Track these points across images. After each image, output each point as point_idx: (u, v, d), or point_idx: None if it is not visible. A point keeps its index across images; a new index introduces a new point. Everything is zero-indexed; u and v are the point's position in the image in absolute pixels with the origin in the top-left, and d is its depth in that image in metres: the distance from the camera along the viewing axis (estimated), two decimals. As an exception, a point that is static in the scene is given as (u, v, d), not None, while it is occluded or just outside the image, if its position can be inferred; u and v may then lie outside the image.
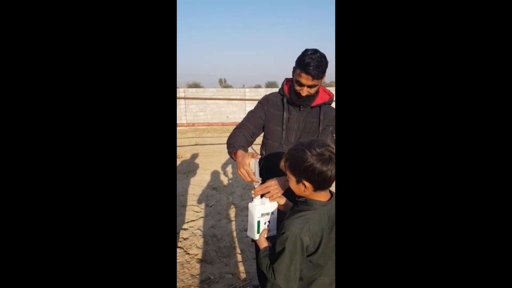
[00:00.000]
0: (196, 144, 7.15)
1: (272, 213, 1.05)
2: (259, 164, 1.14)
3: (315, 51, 1.20)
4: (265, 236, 1.01)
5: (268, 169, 1.28)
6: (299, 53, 1.23)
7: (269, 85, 20.78)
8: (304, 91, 1.24)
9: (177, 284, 1.86)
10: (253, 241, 1.06)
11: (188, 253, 2.22)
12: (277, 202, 1.07)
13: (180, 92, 11.20)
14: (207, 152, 6.06)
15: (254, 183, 1.09)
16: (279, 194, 1.08)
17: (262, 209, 1.02)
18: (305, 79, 1.20)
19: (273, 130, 1.35)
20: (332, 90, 10.93)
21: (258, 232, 1.02)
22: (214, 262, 2.10)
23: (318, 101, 1.32)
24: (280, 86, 1.41)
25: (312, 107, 1.33)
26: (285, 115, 1.32)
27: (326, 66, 1.21)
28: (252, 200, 1.05)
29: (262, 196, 1.05)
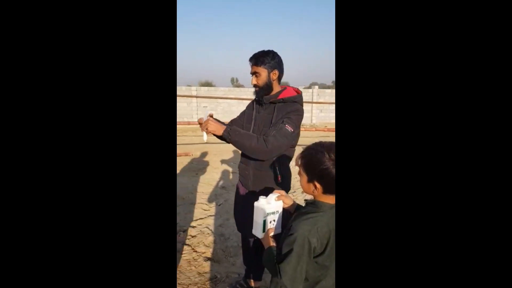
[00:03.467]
0: (206, 143, 7.20)
1: (277, 211, 1.05)
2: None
3: (270, 50, 1.44)
4: (271, 235, 1.01)
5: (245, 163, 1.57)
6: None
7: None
8: (253, 80, 1.46)
9: (184, 281, 1.88)
10: (255, 238, 1.07)
11: (196, 251, 2.23)
12: (283, 202, 1.06)
13: (193, 91, 11.29)
14: (217, 151, 6.09)
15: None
16: (211, 127, 1.35)
17: (268, 208, 1.02)
18: (250, 67, 1.45)
19: (246, 128, 1.56)
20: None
21: (263, 231, 1.02)
22: (221, 261, 2.10)
23: (278, 97, 1.47)
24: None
25: (272, 104, 1.48)
26: (254, 113, 1.56)
27: (271, 58, 1.41)
28: (258, 199, 1.05)
29: (267, 195, 1.06)
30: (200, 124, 1.40)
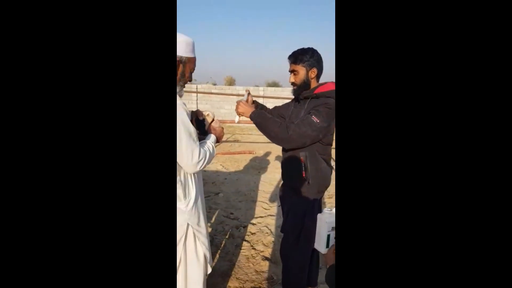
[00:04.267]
0: (269, 142, 7.28)
1: None
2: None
3: (309, 48, 1.41)
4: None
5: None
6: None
7: (351, 87, 19.49)
8: (291, 78, 1.46)
9: (242, 277, 1.92)
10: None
11: (255, 249, 2.26)
12: None
13: (260, 91, 11.55)
14: (279, 150, 6.10)
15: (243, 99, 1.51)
16: (240, 109, 1.42)
17: (333, 223, 0.95)
18: (289, 65, 1.45)
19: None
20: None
21: (327, 246, 0.96)
22: (278, 263, 2.08)
23: (313, 92, 1.42)
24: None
25: (307, 99, 1.46)
26: (291, 108, 1.58)
27: (310, 56, 1.39)
28: (322, 212, 0.99)
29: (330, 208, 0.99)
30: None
